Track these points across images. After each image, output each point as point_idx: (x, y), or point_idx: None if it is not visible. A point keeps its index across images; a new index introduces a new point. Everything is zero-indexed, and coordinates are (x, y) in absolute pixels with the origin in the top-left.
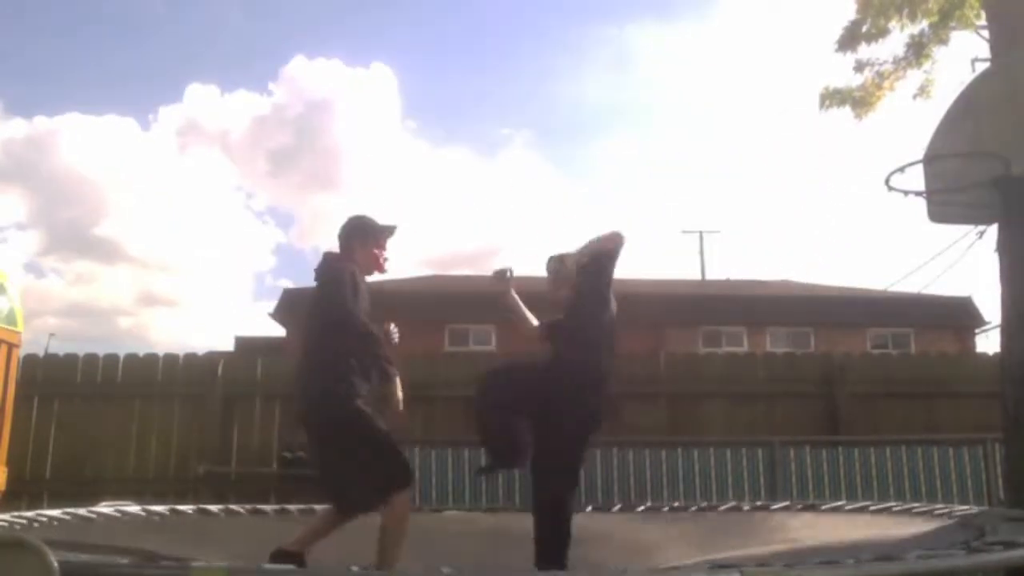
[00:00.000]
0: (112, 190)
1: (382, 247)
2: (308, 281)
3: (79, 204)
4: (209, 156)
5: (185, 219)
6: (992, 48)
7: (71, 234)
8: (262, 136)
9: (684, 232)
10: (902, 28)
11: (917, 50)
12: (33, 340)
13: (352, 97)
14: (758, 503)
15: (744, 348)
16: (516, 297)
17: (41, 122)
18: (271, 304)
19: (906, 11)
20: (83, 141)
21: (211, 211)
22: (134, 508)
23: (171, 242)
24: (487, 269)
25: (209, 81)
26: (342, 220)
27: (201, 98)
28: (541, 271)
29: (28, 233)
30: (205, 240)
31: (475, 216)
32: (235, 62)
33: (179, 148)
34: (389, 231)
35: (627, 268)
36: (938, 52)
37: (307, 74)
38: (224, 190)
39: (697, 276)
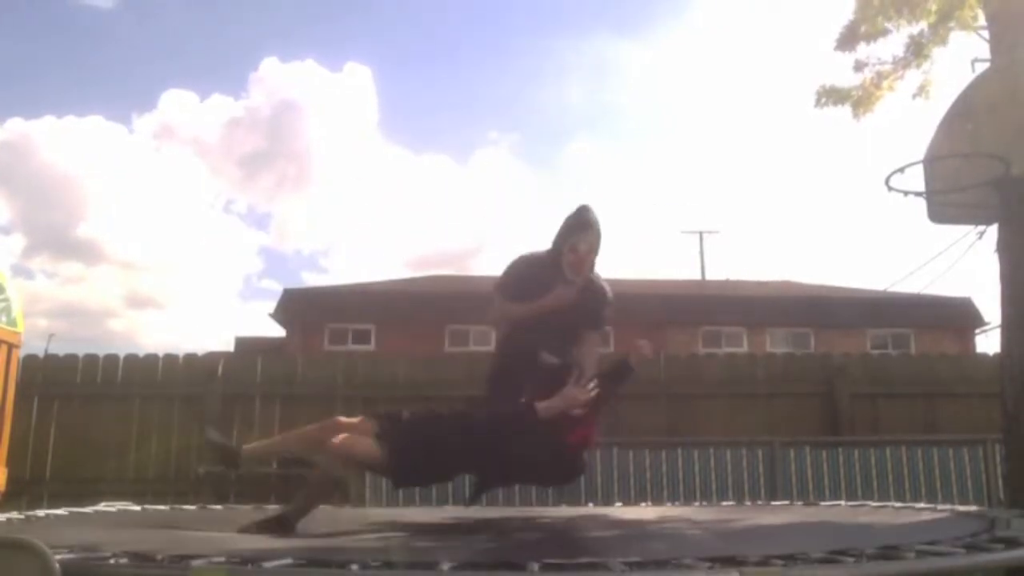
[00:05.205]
0: (92, 194)
1: (572, 249)
2: (293, 282)
3: (60, 207)
4: (188, 161)
5: (167, 222)
6: (992, 49)
7: (53, 237)
8: (241, 139)
9: (684, 232)
10: (899, 28)
11: (916, 50)
12: (26, 342)
13: (330, 99)
14: (758, 503)
15: (744, 348)
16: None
17: (16, 125)
18: (260, 305)
19: (905, 11)
20: (61, 145)
21: (193, 215)
22: (134, 508)
23: (154, 245)
24: (470, 269)
25: (185, 86)
26: (323, 222)
27: (178, 103)
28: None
29: (11, 236)
30: (188, 243)
31: (456, 217)
32: (210, 66)
33: (158, 152)
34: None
35: (627, 268)
36: (937, 52)
37: (284, 76)
38: (206, 194)
39: (697, 276)
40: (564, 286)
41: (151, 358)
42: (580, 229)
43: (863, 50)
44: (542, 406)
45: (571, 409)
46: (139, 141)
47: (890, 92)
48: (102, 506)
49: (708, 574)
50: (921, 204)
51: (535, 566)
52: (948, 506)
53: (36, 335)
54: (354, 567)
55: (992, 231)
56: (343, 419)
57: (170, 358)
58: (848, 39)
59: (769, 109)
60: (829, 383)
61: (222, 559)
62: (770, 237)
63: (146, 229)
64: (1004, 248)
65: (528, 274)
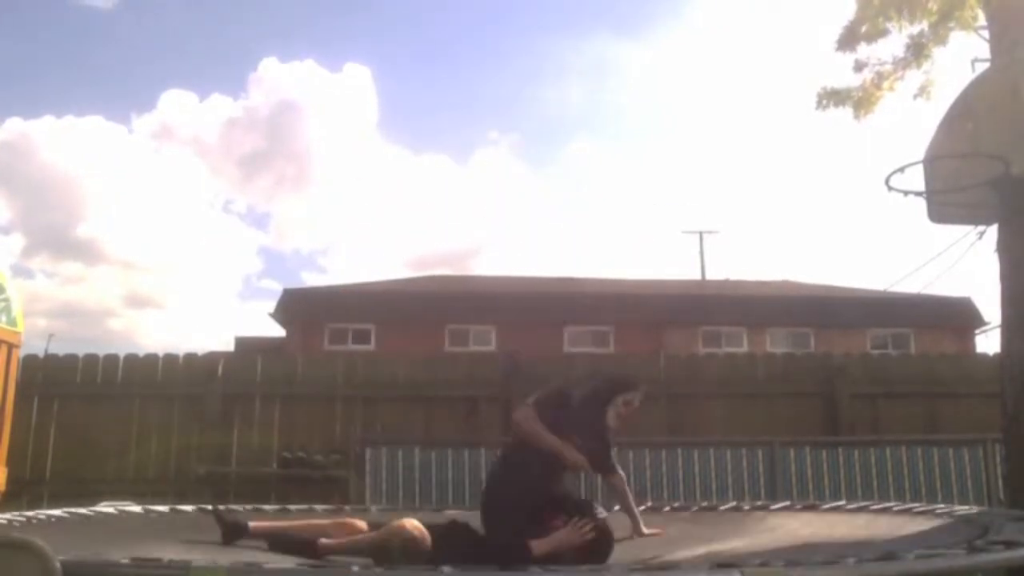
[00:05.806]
0: (92, 194)
1: (627, 403)
2: (293, 282)
3: (60, 207)
4: (188, 161)
5: (167, 222)
6: (992, 48)
7: (53, 237)
8: (240, 140)
9: (684, 232)
10: (899, 28)
11: (916, 50)
12: (25, 342)
13: (330, 99)
14: (758, 503)
15: (744, 348)
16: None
17: (16, 125)
18: (259, 305)
19: (905, 12)
20: (61, 145)
21: (192, 215)
22: (134, 508)
23: (154, 245)
24: (470, 269)
25: (184, 86)
26: (323, 222)
27: (177, 103)
28: (524, 270)
29: (11, 236)
30: (188, 243)
31: (456, 217)
32: (210, 67)
33: (157, 152)
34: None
35: (628, 268)
36: (937, 52)
37: (284, 76)
38: (206, 194)
39: (697, 276)
40: (580, 455)
41: (151, 358)
42: (636, 388)
43: (863, 50)
44: (537, 544)
45: (564, 550)
46: (139, 141)
47: (891, 92)
48: (102, 506)
49: (710, 574)
50: (921, 204)
51: (537, 568)
52: (946, 508)
53: (36, 335)
54: (355, 568)
55: (992, 231)
56: (357, 522)
57: (170, 358)
58: (848, 39)
59: (769, 109)
60: (829, 383)
61: (223, 559)
62: (770, 237)
63: (146, 229)
64: (1004, 248)
65: (563, 402)
